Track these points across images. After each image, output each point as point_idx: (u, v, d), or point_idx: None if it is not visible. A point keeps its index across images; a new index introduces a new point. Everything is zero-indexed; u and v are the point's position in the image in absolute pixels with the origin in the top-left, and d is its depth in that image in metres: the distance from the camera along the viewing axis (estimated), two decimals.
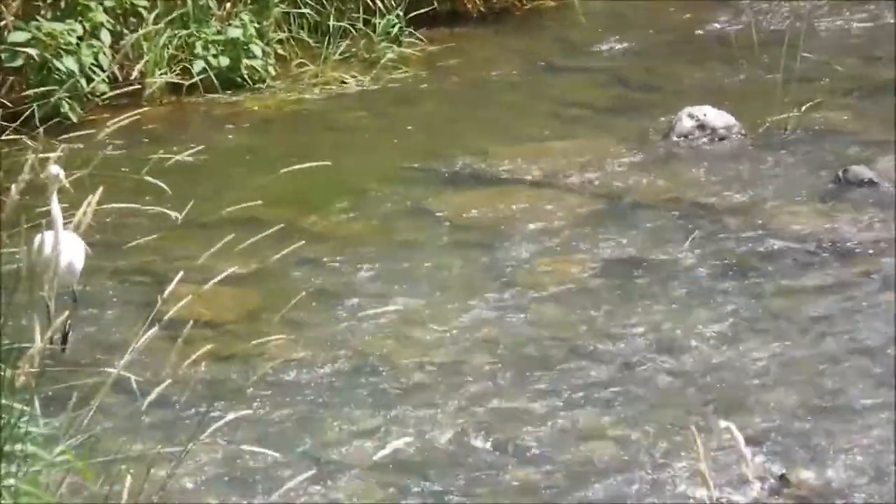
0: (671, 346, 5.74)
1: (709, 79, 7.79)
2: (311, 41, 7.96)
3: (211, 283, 4.83)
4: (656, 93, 7.70)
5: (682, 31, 8.39)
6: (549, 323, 5.91)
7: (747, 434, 4.93)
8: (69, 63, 7.12)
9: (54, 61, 7.11)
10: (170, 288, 4.38)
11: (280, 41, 7.85)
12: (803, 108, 7.33)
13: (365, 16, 8.02)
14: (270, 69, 7.68)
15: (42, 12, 7.22)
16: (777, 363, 5.63)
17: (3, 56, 7.12)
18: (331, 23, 7.95)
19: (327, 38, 7.93)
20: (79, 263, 5.33)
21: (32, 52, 7.11)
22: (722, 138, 7.29)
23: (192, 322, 4.88)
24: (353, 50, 7.97)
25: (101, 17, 7.31)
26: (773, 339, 5.77)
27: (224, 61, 7.55)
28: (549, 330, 5.86)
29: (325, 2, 7.96)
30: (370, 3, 8.01)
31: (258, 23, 7.70)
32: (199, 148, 5.51)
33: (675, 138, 7.30)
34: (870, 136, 7.24)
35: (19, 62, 7.12)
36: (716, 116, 7.33)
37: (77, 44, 7.17)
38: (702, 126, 7.31)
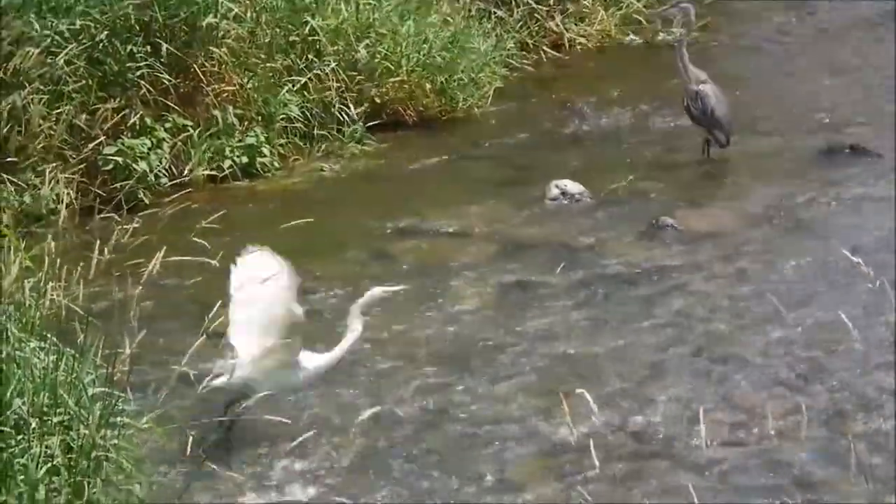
0: (547, 338, 5.76)
1: (567, 161, 7.73)
2: (301, 144, 7.89)
3: None
4: (533, 171, 7.63)
5: (548, 130, 8.28)
6: (468, 326, 5.89)
7: (598, 395, 5.04)
8: (142, 165, 7.12)
9: (133, 165, 7.11)
10: (213, 311, 4.44)
11: (281, 144, 7.81)
12: (628, 179, 7.33)
13: (338, 126, 8.02)
14: (275, 163, 7.62)
15: (124, 132, 7.26)
16: (616, 347, 5.65)
17: (100, 162, 7.12)
18: (315, 132, 7.97)
19: (312, 141, 7.92)
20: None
21: (119, 159, 7.12)
22: (578, 200, 7.21)
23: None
24: (330, 148, 7.95)
25: (163, 134, 7.31)
26: (614, 331, 5.79)
27: (244, 159, 7.51)
28: (468, 331, 5.85)
29: (310, 116, 7.98)
30: (340, 117, 8.05)
31: (266, 133, 7.73)
32: (222, 213, 5.48)
33: (547, 201, 7.22)
34: (670, 197, 7.23)
35: (110, 166, 7.12)
36: (573, 186, 7.26)
37: (147, 152, 7.19)
38: (564, 193, 7.24)
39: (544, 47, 9.29)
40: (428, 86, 8.25)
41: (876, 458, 4.58)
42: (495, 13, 9.02)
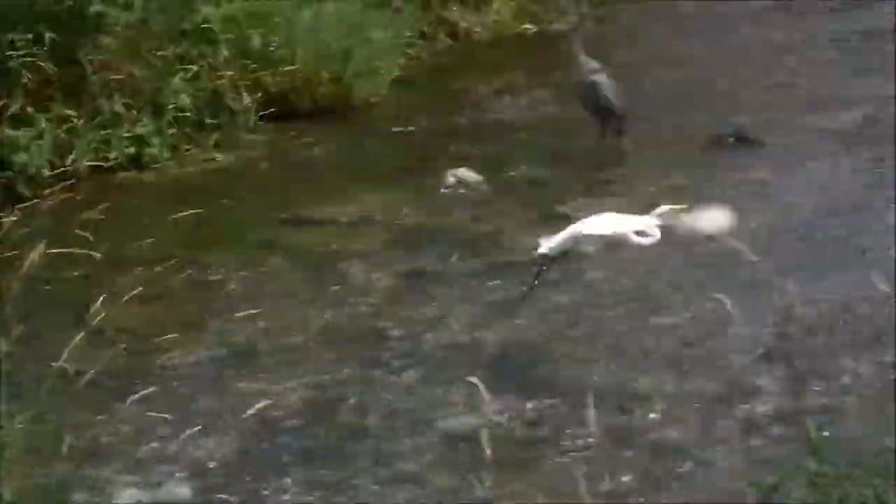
0: (441, 327, 5.72)
1: (463, 150, 7.73)
2: (193, 133, 7.81)
3: (124, 298, 4.78)
4: (430, 160, 7.61)
5: (445, 119, 8.31)
6: (366, 314, 5.83)
7: (489, 383, 5.02)
8: (22, 157, 6.96)
9: (12, 156, 6.95)
10: (96, 305, 4.31)
11: (172, 134, 7.69)
12: (523, 168, 7.38)
13: (231, 115, 7.90)
14: (165, 153, 7.53)
15: (3, 123, 7.05)
16: (508, 335, 5.64)
17: None
18: (207, 121, 7.84)
19: (205, 130, 7.82)
20: None
21: None
22: (474, 189, 7.24)
23: (112, 327, 4.84)
24: (223, 138, 7.85)
25: (44, 125, 7.14)
26: (507, 319, 5.75)
27: (131, 150, 7.42)
28: (365, 319, 5.79)
29: (202, 105, 7.85)
30: (233, 106, 7.91)
31: (156, 123, 7.56)
32: (106, 205, 5.36)
33: (443, 190, 7.23)
34: (565, 186, 7.25)
35: None
36: (469, 174, 7.28)
37: (28, 143, 7.00)
38: (460, 181, 7.26)
39: (441, 36, 9.30)
40: (324, 74, 8.18)
41: (756, 439, 4.67)
42: (393, 2, 8.98)
